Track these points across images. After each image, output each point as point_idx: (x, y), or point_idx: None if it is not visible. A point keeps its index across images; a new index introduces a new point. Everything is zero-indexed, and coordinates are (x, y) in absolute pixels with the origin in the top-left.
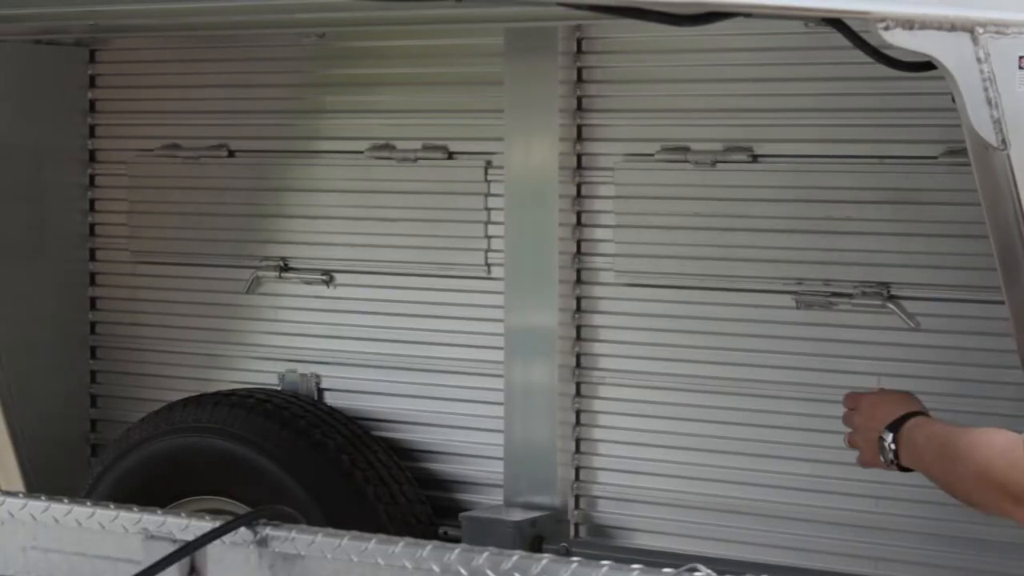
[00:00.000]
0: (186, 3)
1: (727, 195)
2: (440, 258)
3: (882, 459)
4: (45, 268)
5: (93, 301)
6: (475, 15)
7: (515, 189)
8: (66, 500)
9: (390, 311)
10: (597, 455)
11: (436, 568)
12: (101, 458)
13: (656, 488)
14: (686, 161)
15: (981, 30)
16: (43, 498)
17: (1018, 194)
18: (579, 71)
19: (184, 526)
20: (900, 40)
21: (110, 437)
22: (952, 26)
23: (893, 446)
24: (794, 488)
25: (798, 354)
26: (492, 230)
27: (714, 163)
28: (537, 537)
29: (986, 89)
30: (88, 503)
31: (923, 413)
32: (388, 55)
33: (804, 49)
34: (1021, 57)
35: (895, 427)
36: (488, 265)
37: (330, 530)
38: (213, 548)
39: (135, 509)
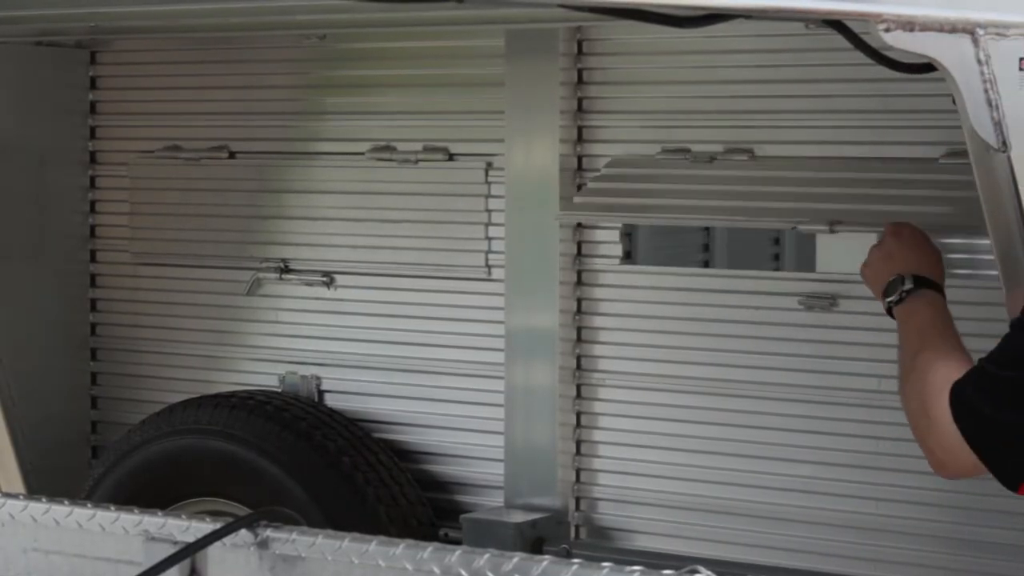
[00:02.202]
0: (187, 5)
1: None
2: (441, 259)
3: (882, 300)
4: (46, 269)
5: (94, 303)
6: (476, 16)
7: (516, 190)
8: (67, 502)
9: (391, 313)
10: (598, 457)
11: (437, 570)
12: (102, 460)
13: (657, 490)
14: (686, 162)
15: (982, 32)
16: (44, 500)
17: (1018, 196)
18: (580, 72)
19: (185, 528)
20: (901, 42)
21: (111, 439)
22: (953, 28)
23: (891, 302)
24: (794, 490)
25: (799, 356)
26: (493, 231)
27: (712, 162)
28: (538, 539)
29: (987, 91)
30: (89, 505)
31: (930, 281)
32: (389, 56)
33: (805, 51)
34: (1022, 59)
35: (902, 283)
36: (489, 266)
37: (331, 532)
38: (214, 550)
39: (136, 511)
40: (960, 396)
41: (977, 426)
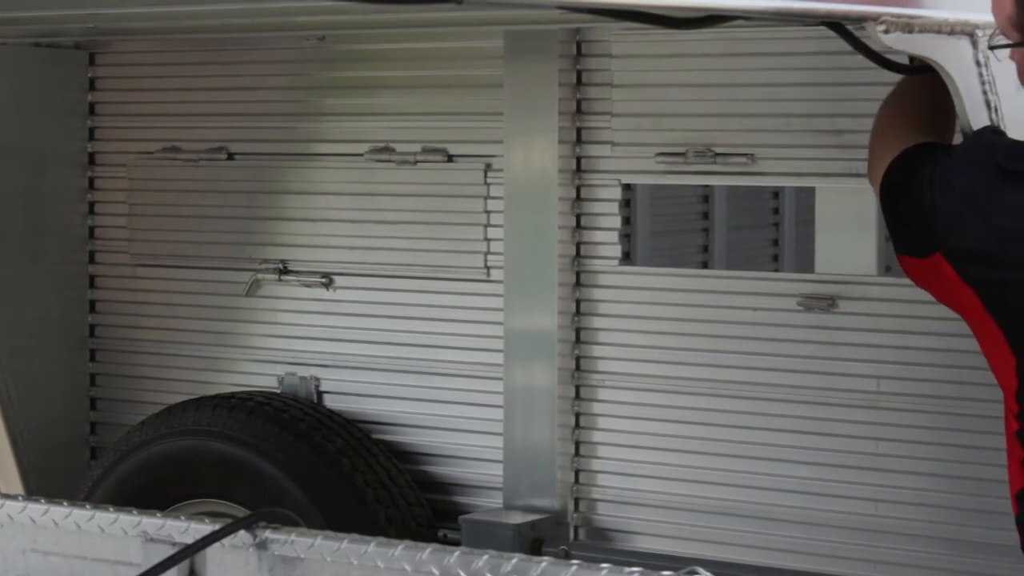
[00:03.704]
0: (186, 6)
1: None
2: (439, 261)
3: None
4: (45, 271)
5: (92, 304)
6: (475, 18)
7: (515, 192)
8: (66, 503)
9: (390, 314)
10: (597, 458)
11: (436, 571)
12: (101, 461)
13: (656, 491)
14: (685, 163)
15: (981, 33)
16: (43, 501)
17: None
18: (579, 74)
19: (184, 529)
20: (900, 43)
21: (110, 440)
22: (952, 29)
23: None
24: (793, 491)
25: (798, 357)
26: (491, 233)
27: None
28: (536, 540)
29: (985, 92)
30: (88, 506)
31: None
32: (388, 58)
33: (805, 54)
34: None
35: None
36: (488, 268)
37: (330, 533)
38: (213, 551)
39: (134, 512)
40: (888, 175)
41: (888, 201)
